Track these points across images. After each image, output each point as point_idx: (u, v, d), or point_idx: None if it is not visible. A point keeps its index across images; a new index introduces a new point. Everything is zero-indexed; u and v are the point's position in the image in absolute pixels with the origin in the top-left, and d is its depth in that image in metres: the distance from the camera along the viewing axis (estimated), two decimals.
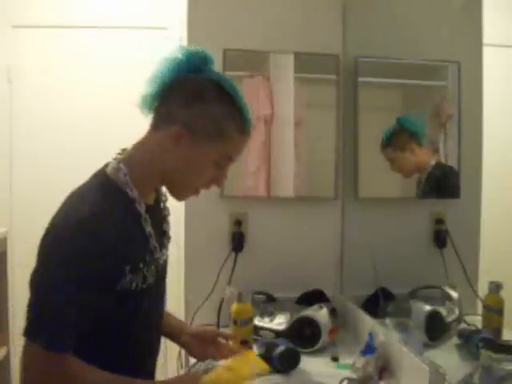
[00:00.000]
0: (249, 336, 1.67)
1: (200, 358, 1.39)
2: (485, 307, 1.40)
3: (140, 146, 1.13)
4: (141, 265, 1.08)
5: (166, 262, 1.25)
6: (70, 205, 1.05)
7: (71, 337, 0.99)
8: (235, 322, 1.66)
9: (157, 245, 1.15)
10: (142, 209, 1.10)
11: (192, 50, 1.11)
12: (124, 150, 1.15)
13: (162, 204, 1.26)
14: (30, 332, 0.98)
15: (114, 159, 1.12)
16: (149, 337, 1.22)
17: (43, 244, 1.02)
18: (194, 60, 1.10)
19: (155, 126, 1.12)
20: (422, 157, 1.73)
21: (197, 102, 1.08)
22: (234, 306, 1.69)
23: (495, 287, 1.36)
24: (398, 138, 1.79)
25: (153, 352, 1.26)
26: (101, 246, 1.00)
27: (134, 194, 1.08)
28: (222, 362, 1.28)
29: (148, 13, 2.65)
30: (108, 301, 1.04)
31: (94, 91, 2.56)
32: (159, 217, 1.23)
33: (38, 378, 1.00)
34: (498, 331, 1.35)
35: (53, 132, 2.60)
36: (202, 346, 1.38)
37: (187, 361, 1.77)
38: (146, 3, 2.66)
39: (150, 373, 1.26)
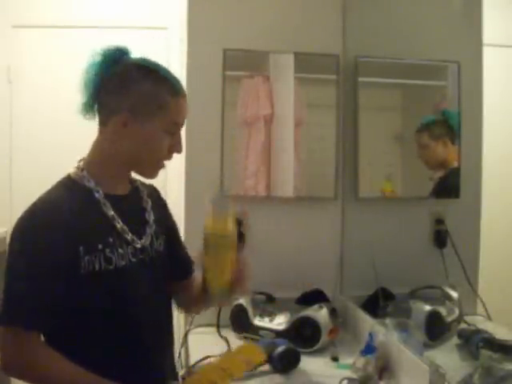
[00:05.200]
0: (228, 259, 1.22)
1: None
2: None
3: (95, 145, 1.24)
4: (99, 246, 1.13)
5: (156, 249, 1.29)
6: (34, 201, 1.15)
7: (30, 312, 1.06)
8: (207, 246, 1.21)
9: (125, 227, 1.19)
10: (99, 195, 1.18)
11: (104, 48, 1.22)
12: (83, 157, 1.25)
13: (141, 196, 1.32)
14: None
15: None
16: (143, 328, 1.21)
17: (10, 236, 1.13)
18: (110, 56, 1.21)
19: (102, 124, 1.21)
20: (449, 155, 1.72)
21: (127, 87, 1.17)
22: (207, 220, 1.24)
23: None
24: (437, 127, 1.77)
25: (155, 340, 1.26)
26: (51, 228, 1.09)
27: (90, 184, 1.18)
28: (212, 363, 1.28)
29: (148, 13, 2.65)
30: (80, 284, 1.10)
31: None
32: (136, 207, 1.29)
33: (9, 356, 1.06)
34: None
35: (53, 132, 2.60)
36: None
37: (187, 361, 1.77)
38: (146, 3, 2.66)
39: (157, 366, 1.26)
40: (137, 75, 1.18)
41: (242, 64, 2.10)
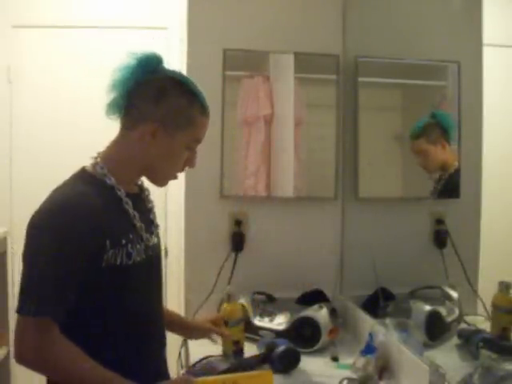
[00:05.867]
0: (241, 337, 1.66)
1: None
2: (494, 307, 1.39)
3: (116, 144, 1.25)
4: (123, 241, 1.17)
5: (158, 248, 1.34)
6: (51, 194, 1.17)
7: (56, 304, 1.08)
8: (226, 323, 1.63)
9: (143, 225, 1.24)
10: (121, 194, 1.21)
11: (143, 53, 1.21)
12: (99, 153, 1.26)
13: (146, 196, 1.36)
14: (18, 307, 1.07)
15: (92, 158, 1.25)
16: (147, 322, 1.26)
17: (28, 228, 1.12)
18: (147, 62, 1.21)
19: (128, 127, 1.23)
20: (449, 156, 1.71)
21: (162, 99, 1.20)
22: (224, 307, 1.67)
23: (505, 287, 1.35)
24: (431, 131, 1.75)
25: (156, 338, 1.31)
26: (81, 220, 1.10)
27: (111, 181, 1.20)
28: (231, 374, 1.28)
29: (148, 13, 2.65)
30: (97, 278, 1.13)
31: (94, 91, 2.55)
32: (145, 207, 1.33)
33: (28, 347, 1.06)
34: (506, 331, 1.34)
35: (53, 132, 2.60)
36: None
37: (187, 361, 1.77)
38: (145, 3, 2.66)
39: (158, 360, 1.31)
40: (173, 89, 1.21)
41: (242, 64, 2.10)
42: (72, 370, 1.09)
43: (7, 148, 2.63)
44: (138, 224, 1.23)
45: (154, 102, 1.19)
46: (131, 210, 1.22)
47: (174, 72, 1.26)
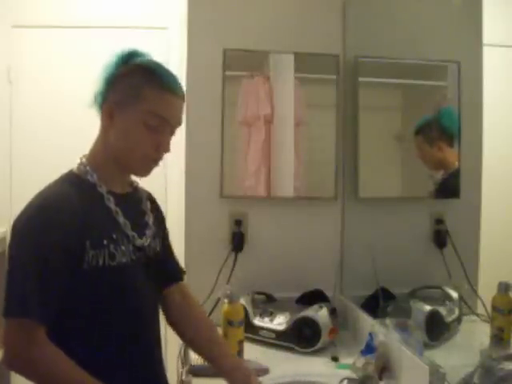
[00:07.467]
0: (243, 336, 1.66)
1: None
2: (493, 308, 1.38)
3: (94, 142, 1.26)
4: (104, 241, 1.15)
5: (153, 250, 1.30)
6: (33, 196, 1.16)
7: (41, 305, 1.05)
8: (231, 323, 1.63)
9: (127, 222, 1.21)
10: (102, 190, 1.19)
11: (120, 49, 1.23)
12: (85, 154, 1.26)
13: (140, 197, 1.33)
14: (4, 310, 1.05)
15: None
16: (137, 324, 1.23)
17: (11, 230, 1.12)
18: (121, 57, 1.23)
19: (100, 119, 1.23)
20: (449, 157, 1.69)
21: (118, 81, 1.20)
22: (227, 307, 1.66)
23: (504, 287, 1.35)
24: (431, 130, 1.74)
25: (147, 339, 1.27)
26: (60, 221, 1.09)
27: (93, 178, 1.19)
28: None
29: (148, 13, 2.64)
30: (81, 279, 1.11)
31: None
32: (137, 208, 1.31)
33: (13, 351, 1.05)
34: (502, 330, 1.34)
35: (53, 132, 2.60)
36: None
37: (187, 360, 1.77)
38: (146, 3, 2.65)
39: (150, 362, 1.27)
40: (130, 70, 1.20)
41: (242, 64, 2.10)
42: (55, 376, 1.07)
43: (7, 148, 2.62)
44: (122, 221, 1.20)
45: (113, 86, 1.20)
46: (113, 206, 1.19)
47: (143, 59, 1.24)
